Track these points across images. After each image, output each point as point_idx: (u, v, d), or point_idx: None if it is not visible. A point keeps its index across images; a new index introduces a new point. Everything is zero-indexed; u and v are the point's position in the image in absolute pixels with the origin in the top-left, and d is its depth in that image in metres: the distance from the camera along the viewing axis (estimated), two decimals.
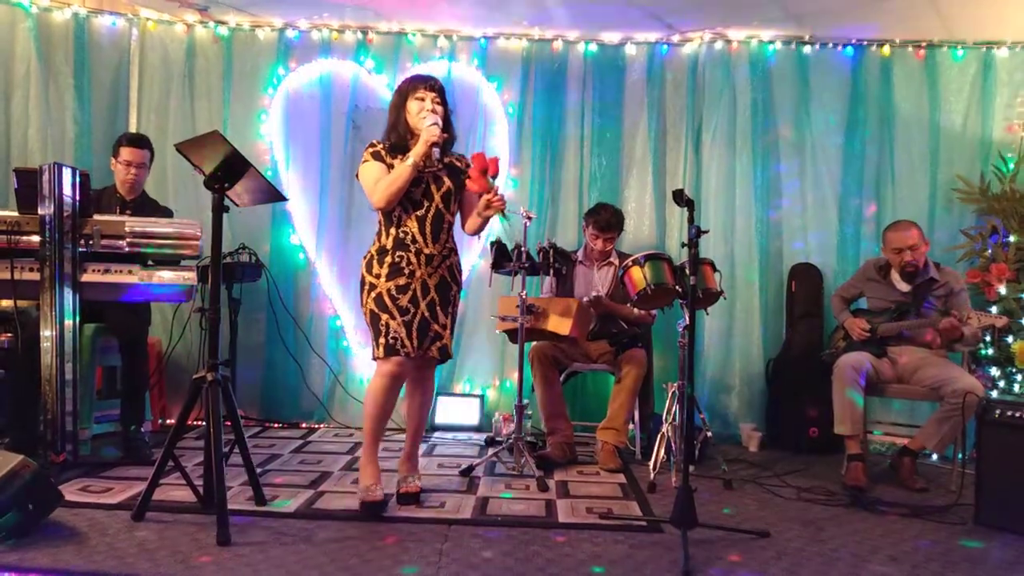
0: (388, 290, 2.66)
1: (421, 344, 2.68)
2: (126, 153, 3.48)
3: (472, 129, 4.28)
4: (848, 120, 4.20)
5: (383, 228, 2.73)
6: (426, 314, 2.69)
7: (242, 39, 4.33)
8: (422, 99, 2.69)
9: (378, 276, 2.68)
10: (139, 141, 3.56)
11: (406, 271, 2.67)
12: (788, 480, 3.30)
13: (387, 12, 4.09)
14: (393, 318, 2.64)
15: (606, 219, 3.72)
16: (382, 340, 2.64)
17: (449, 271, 2.77)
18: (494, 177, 2.62)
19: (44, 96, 4.11)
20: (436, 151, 2.63)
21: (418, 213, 2.69)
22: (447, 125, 2.71)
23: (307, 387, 4.24)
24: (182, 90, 4.28)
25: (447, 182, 2.73)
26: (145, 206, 3.54)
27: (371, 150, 2.73)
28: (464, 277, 4.26)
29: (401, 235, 2.69)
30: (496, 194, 2.60)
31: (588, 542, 2.42)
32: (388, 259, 2.68)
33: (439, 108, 2.70)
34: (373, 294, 2.68)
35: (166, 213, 3.62)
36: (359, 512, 2.65)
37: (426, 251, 2.68)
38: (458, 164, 2.81)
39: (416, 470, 2.89)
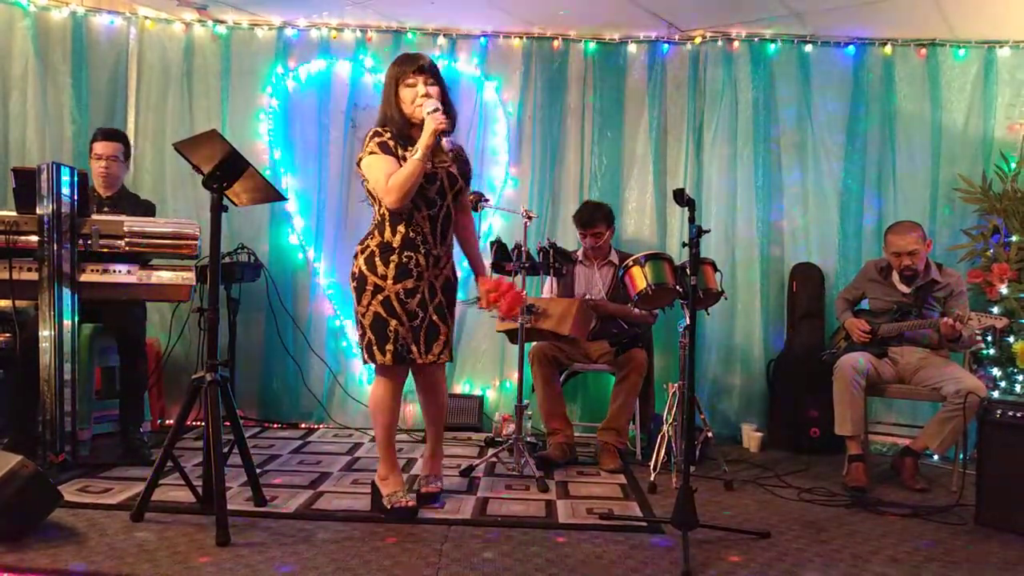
0: (397, 293, 2.53)
1: (430, 349, 2.61)
2: (98, 147, 3.45)
3: (472, 128, 4.27)
4: (850, 119, 4.18)
5: (388, 223, 2.54)
6: (435, 318, 2.61)
7: (240, 38, 4.32)
8: (413, 85, 2.52)
9: (384, 277, 2.53)
10: (111, 134, 3.51)
11: (414, 273, 2.55)
12: (789, 481, 3.29)
13: (386, 8, 4.08)
14: (402, 324, 2.55)
15: (587, 213, 3.73)
16: (389, 347, 2.54)
17: (452, 271, 2.71)
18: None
19: (42, 95, 4.10)
20: (446, 142, 2.52)
21: (431, 212, 2.56)
22: (446, 106, 2.53)
23: (306, 387, 4.23)
24: (180, 89, 4.26)
25: (460, 181, 2.64)
26: (122, 201, 3.48)
27: (377, 140, 2.52)
28: (463, 275, 4.28)
29: (412, 234, 2.54)
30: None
31: (588, 543, 2.42)
32: (395, 259, 2.53)
33: (434, 89, 2.53)
34: (380, 296, 2.53)
35: (147, 206, 3.58)
36: (364, 512, 2.65)
37: (435, 252, 2.59)
38: (463, 156, 2.71)
39: (438, 471, 2.85)
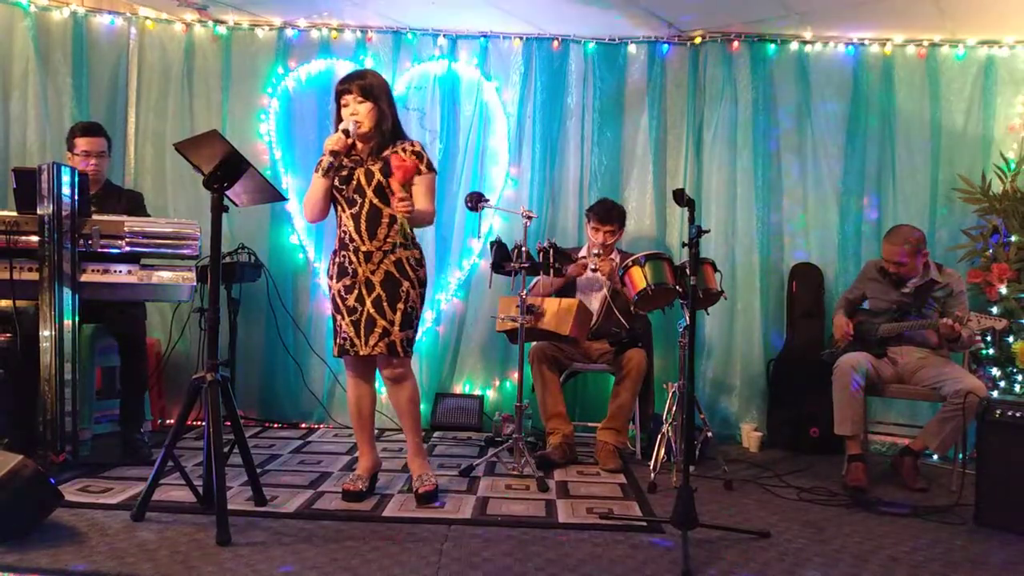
0: (338, 291, 2.74)
1: (368, 342, 2.69)
2: (83, 143, 3.33)
3: (472, 128, 4.27)
4: (849, 119, 4.18)
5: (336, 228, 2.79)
6: (372, 311, 2.68)
7: (241, 38, 4.32)
8: (346, 105, 2.71)
9: (331, 277, 2.78)
10: (94, 129, 3.41)
11: (349, 270, 2.72)
12: (789, 480, 3.29)
13: (386, 8, 4.08)
14: (343, 318, 2.72)
15: (606, 209, 3.74)
16: (336, 340, 2.77)
17: (396, 266, 2.71)
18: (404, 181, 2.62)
19: (42, 95, 4.09)
20: (329, 159, 2.65)
21: (353, 211, 2.70)
22: (383, 119, 2.70)
23: (307, 387, 4.23)
24: (181, 89, 4.26)
25: (377, 176, 2.68)
26: (109, 196, 3.40)
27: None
28: (463, 276, 4.30)
29: (342, 234, 2.76)
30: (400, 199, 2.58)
31: (588, 542, 2.42)
32: (336, 259, 2.77)
33: (360, 107, 2.68)
34: (330, 294, 2.79)
35: (135, 198, 3.53)
36: (365, 512, 2.66)
37: (363, 248, 2.69)
38: (401, 155, 2.69)
39: (426, 468, 2.85)
